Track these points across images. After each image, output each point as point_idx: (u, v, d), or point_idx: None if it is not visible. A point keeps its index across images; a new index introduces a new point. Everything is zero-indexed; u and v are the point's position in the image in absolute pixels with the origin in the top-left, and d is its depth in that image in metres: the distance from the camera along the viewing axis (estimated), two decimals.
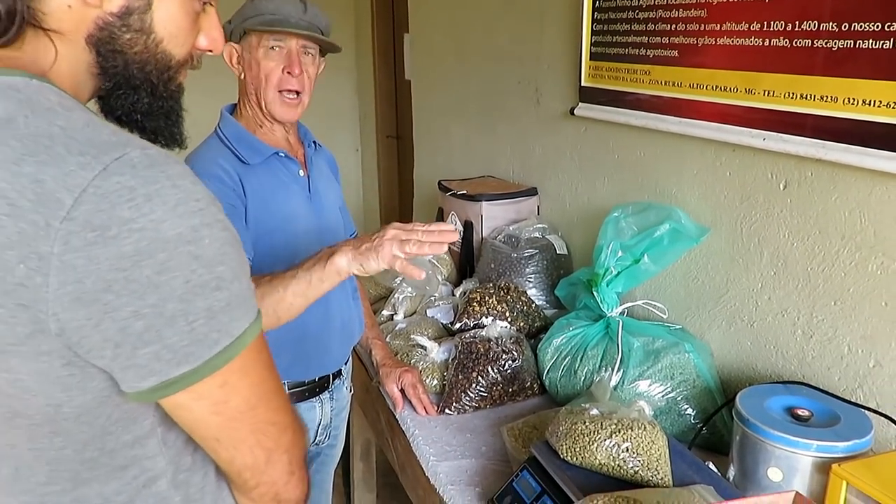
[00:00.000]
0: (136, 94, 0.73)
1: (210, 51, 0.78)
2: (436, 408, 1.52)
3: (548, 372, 1.54)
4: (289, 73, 1.42)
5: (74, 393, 0.63)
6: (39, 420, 0.64)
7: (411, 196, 3.43)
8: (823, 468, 1.05)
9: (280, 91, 1.42)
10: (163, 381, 0.62)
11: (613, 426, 1.10)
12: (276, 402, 0.71)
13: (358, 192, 4.38)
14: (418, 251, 1.14)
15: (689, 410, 1.39)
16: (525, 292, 1.78)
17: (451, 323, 1.77)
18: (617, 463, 1.08)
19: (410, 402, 1.54)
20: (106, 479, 0.68)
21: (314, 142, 1.59)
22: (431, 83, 2.92)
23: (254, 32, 1.40)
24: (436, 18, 2.78)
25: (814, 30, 1.20)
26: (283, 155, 1.46)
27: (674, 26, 1.50)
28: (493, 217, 2.09)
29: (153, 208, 0.59)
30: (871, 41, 1.11)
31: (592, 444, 1.09)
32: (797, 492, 0.81)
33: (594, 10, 1.74)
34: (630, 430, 1.09)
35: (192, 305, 0.61)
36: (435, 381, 1.60)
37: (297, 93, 1.45)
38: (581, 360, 1.49)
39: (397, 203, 4.09)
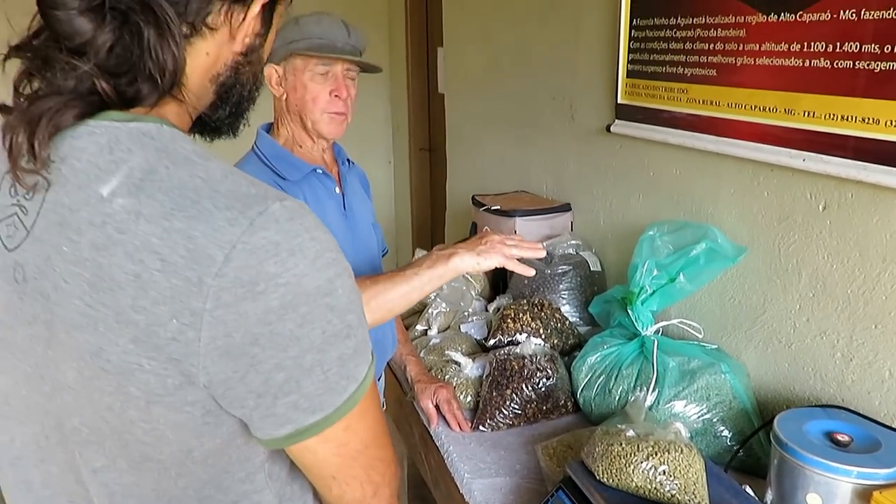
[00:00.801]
0: (237, 116, 0.77)
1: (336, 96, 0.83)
2: (469, 424, 1.53)
3: (582, 390, 1.54)
4: (336, 96, 1.45)
5: (206, 439, 0.65)
6: (169, 464, 0.66)
7: (443, 209, 3.45)
8: (864, 495, 1.04)
9: (326, 112, 1.46)
10: (298, 428, 0.64)
11: (650, 448, 1.10)
12: (384, 439, 0.73)
13: (390, 204, 4.41)
14: (521, 254, 1.32)
15: (726, 432, 1.38)
16: (559, 309, 1.78)
17: (485, 339, 1.78)
18: (654, 486, 1.08)
19: (444, 417, 1.55)
20: None
21: (347, 159, 1.62)
22: (465, 97, 2.94)
23: (300, 56, 1.43)
24: (470, 33, 2.81)
25: (855, 51, 1.19)
26: (320, 172, 1.49)
27: (712, 45, 1.50)
28: (526, 233, 2.09)
29: (296, 263, 0.60)
30: None
31: (629, 465, 1.09)
32: None
33: (631, 28, 1.75)
34: (667, 453, 1.09)
35: (327, 355, 0.63)
36: (469, 398, 1.61)
37: (344, 113, 1.49)
38: (616, 378, 1.49)
39: (429, 216, 4.11)
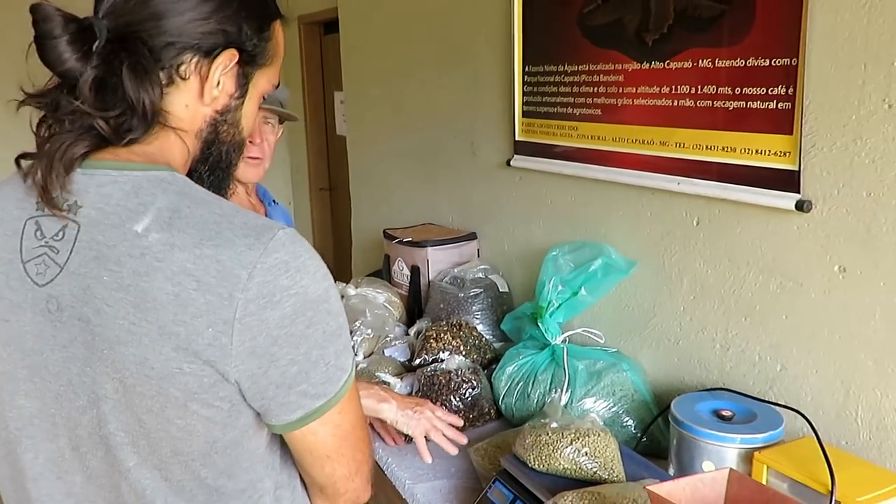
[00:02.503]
0: (220, 171, 0.88)
1: (252, 143, 0.94)
2: (403, 438, 1.64)
3: (503, 397, 1.70)
4: (251, 141, 1.55)
5: (228, 430, 0.76)
6: (196, 455, 0.76)
7: (345, 245, 3.56)
8: (747, 457, 1.25)
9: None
10: (306, 412, 0.77)
11: (572, 435, 1.27)
12: (364, 423, 0.87)
13: None
14: (438, 441, 1.37)
15: (630, 422, 1.58)
16: (475, 328, 1.95)
17: (409, 360, 1.91)
18: (578, 466, 1.24)
19: (380, 434, 1.65)
20: (229, 499, 0.81)
21: (273, 200, 1.73)
22: (368, 138, 3.09)
23: None
24: (371, 77, 2.97)
25: (713, 93, 1.45)
26: None
27: (596, 89, 1.74)
28: (437, 261, 2.25)
29: (302, 276, 0.73)
30: (759, 102, 1.36)
31: (556, 451, 1.25)
32: (731, 468, 1.00)
33: (524, 73, 1.97)
34: (587, 437, 1.26)
35: (327, 351, 0.76)
36: None
37: (260, 158, 1.59)
38: (533, 384, 1.66)
39: (332, 253, 4.21)
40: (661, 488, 0.92)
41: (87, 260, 0.73)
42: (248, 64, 0.85)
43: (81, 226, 0.73)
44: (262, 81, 0.88)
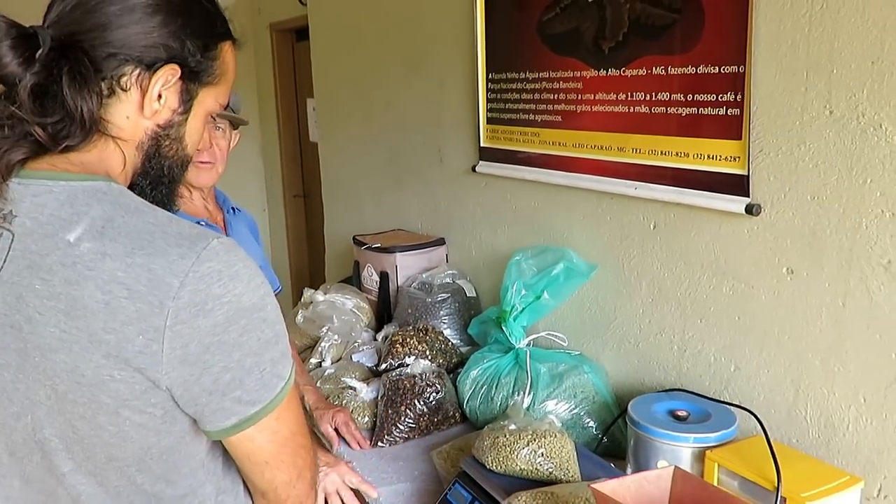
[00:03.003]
0: (163, 186, 0.89)
1: (199, 151, 0.95)
2: (368, 442, 1.66)
3: (467, 401, 1.72)
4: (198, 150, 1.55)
5: (163, 436, 0.77)
6: (130, 461, 0.77)
7: (320, 251, 3.57)
8: (700, 456, 1.28)
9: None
10: (241, 419, 0.78)
11: (529, 436, 1.29)
12: (305, 430, 0.87)
13: (266, 249, 4.46)
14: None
15: (591, 423, 1.61)
16: (442, 332, 1.97)
17: (376, 365, 1.93)
18: (534, 467, 1.27)
19: (344, 439, 1.67)
20: None
21: (233, 207, 1.73)
22: (339, 144, 3.11)
23: None
24: (341, 85, 2.99)
25: (667, 99, 1.48)
26: (203, 223, 1.58)
27: (556, 95, 1.77)
28: (406, 266, 2.27)
29: (235, 285, 0.74)
30: (710, 109, 1.39)
31: (513, 452, 1.27)
32: (676, 466, 1.02)
33: (488, 80, 2.00)
34: (543, 438, 1.28)
35: (262, 358, 0.77)
36: (366, 418, 1.74)
37: (210, 162, 1.58)
38: (496, 387, 1.68)
39: (307, 258, 4.21)
40: (606, 486, 0.94)
41: (20, 269, 0.73)
42: (192, 81, 0.86)
43: (16, 235, 0.74)
44: (209, 100, 0.89)
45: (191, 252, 0.73)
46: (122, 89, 0.80)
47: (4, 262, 0.74)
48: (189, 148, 0.90)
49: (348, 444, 1.66)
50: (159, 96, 0.82)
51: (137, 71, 0.80)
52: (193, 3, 0.86)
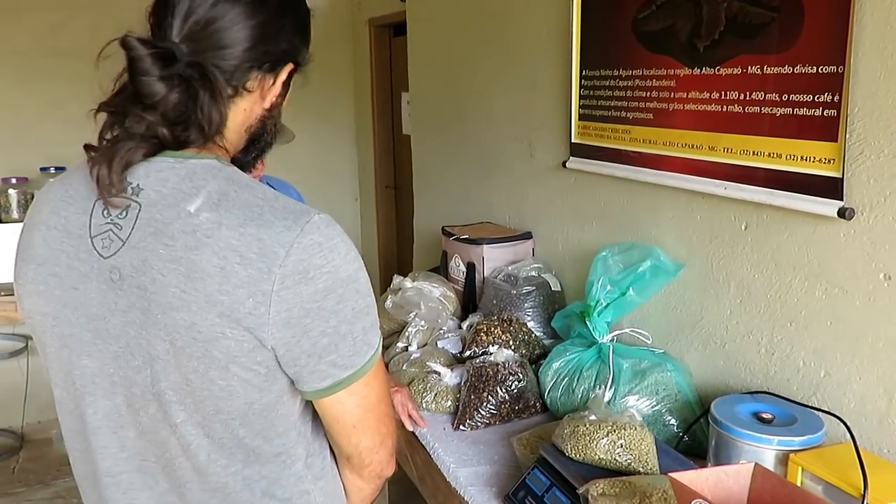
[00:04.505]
0: (258, 157, 1.00)
1: None
2: (424, 420, 1.73)
3: (549, 391, 1.76)
4: None
5: (264, 393, 0.86)
6: (235, 415, 0.86)
7: (408, 242, 3.67)
8: (783, 459, 1.27)
9: None
10: (335, 381, 0.86)
11: (609, 427, 1.32)
12: (389, 399, 0.95)
13: (357, 238, 4.62)
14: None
15: (672, 421, 1.61)
16: (525, 324, 2.01)
17: (460, 352, 1.99)
18: (613, 457, 1.29)
19: (400, 417, 1.72)
20: (265, 461, 0.90)
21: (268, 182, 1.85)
22: (431, 138, 3.19)
23: None
24: (435, 80, 3.06)
25: (761, 99, 1.46)
26: None
27: (648, 93, 1.77)
28: (493, 259, 2.32)
29: (334, 257, 0.82)
30: (805, 109, 1.37)
31: (592, 442, 1.31)
32: (756, 462, 1.03)
33: (581, 77, 2.02)
34: (623, 430, 1.31)
35: (356, 326, 0.85)
36: (449, 402, 1.80)
37: None
38: (578, 380, 1.71)
39: (395, 248, 4.33)
40: (684, 476, 0.96)
41: (145, 235, 0.82)
42: (296, 70, 0.96)
43: (143, 205, 0.83)
44: (298, 76, 0.99)
45: (295, 225, 0.81)
46: (248, 91, 0.90)
47: (133, 228, 0.83)
48: (281, 119, 0.99)
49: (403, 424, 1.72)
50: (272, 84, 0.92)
51: (261, 75, 0.90)
52: (298, 6, 0.95)
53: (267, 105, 0.94)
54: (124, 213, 0.84)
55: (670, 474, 0.98)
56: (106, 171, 0.82)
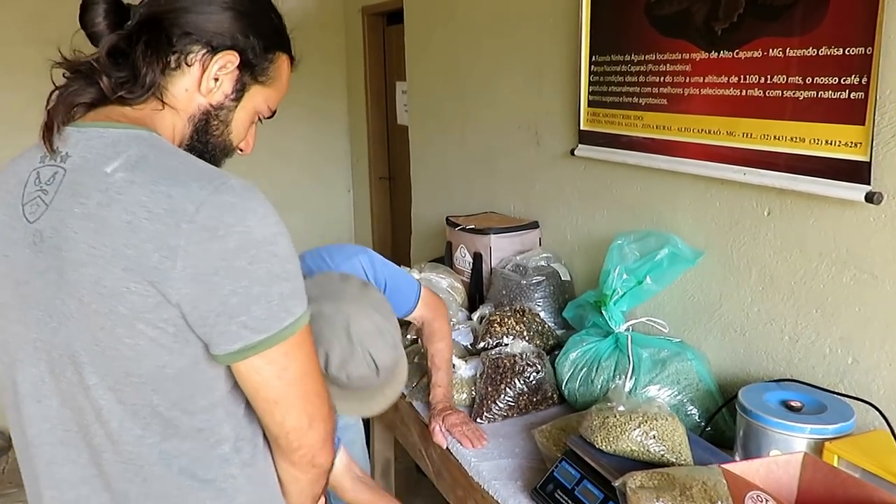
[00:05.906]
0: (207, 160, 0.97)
1: (242, 150, 1.05)
2: (484, 439, 1.61)
3: (566, 382, 1.73)
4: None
5: (176, 356, 0.83)
6: (146, 378, 0.84)
7: (403, 233, 3.62)
8: (816, 447, 1.25)
9: None
10: (246, 344, 0.83)
11: (640, 418, 1.30)
12: (319, 379, 0.91)
13: (350, 229, 4.57)
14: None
15: (694, 411, 1.59)
16: (538, 314, 1.98)
17: (472, 344, 1.96)
18: (645, 448, 1.27)
19: (459, 441, 1.61)
20: (185, 437, 0.87)
21: None
22: (430, 127, 3.14)
23: None
24: (436, 68, 3.01)
25: (783, 82, 1.44)
26: None
27: (662, 78, 1.74)
28: (500, 248, 2.29)
29: (248, 218, 0.81)
30: (830, 92, 1.35)
31: (623, 433, 1.28)
32: (805, 452, 1.01)
33: (591, 63, 1.98)
34: (655, 421, 1.29)
35: (270, 289, 0.82)
36: (464, 395, 1.78)
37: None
38: (596, 370, 1.68)
39: (390, 240, 4.28)
40: (736, 467, 0.94)
41: (65, 197, 0.84)
42: (247, 73, 0.97)
43: (67, 171, 0.85)
44: (259, 98, 1.00)
45: (209, 185, 0.81)
46: (187, 64, 0.92)
47: (56, 193, 0.85)
48: (233, 136, 1.00)
49: (462, 445, 1.60)
50: (216, 79, 0.94)
51: (203, 51, 0.92)
52: (263, 13, 0.99)
53: (214, 101, 0.95)
54: (51, 180, 0.86)
55: (723, 466, 0.96)
56: (53, 114, 0.86)
